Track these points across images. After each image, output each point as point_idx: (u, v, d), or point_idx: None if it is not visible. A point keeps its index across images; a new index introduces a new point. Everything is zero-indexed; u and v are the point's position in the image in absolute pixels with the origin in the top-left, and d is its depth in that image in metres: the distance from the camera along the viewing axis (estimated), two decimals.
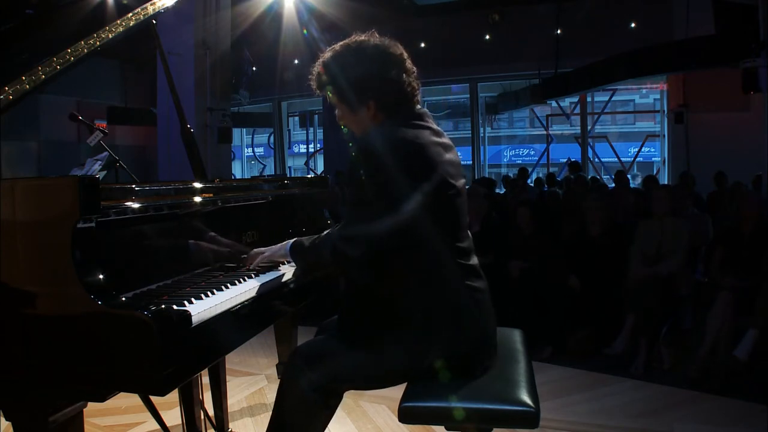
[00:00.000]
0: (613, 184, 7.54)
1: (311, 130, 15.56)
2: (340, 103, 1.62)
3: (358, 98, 1.57)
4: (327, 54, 1.61)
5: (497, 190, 8.61)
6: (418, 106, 1.62)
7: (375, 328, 1.54)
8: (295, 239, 1.68)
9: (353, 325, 1.58)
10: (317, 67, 1.62)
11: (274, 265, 1.82)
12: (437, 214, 1.50)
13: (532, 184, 8.79)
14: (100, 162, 2.64)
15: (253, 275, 1.69)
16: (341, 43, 1.62)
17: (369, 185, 1.45)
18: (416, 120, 1.57)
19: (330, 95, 1.63)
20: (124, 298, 1.22)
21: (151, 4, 2.07)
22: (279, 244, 1.71)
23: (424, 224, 1.47)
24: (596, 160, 12.62)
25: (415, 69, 1.62)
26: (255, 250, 1.78)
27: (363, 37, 1.59)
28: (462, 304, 1.52)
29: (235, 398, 3.10)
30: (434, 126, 1.60)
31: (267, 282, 1.66)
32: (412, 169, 1.46)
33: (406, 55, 1.60)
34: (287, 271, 1.80)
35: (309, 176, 10.36)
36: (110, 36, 1.88)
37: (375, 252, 1.47)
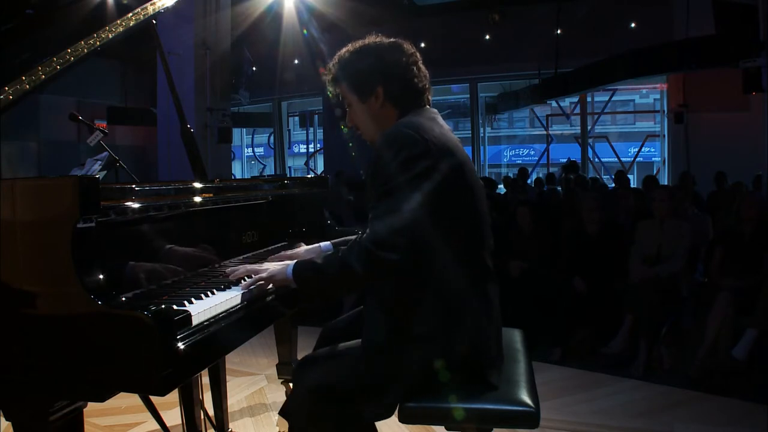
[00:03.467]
0: (613, 184, 7.55)
1: (311, 130, 15.56)
2: (350, 94, 1.58)
3: (367, 84, 1.54)
4: (342, 50, 1.61)
5: (497, 190, 8.60)
6: (428, 106, 1.60)
7: (390, 333, 1.48)
8: (296, 260, 1.51)
9: (370, 332, 1.53)
10: (331, 63, 1.61)
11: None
12: (463, 211, 1.46)
13: (531, 184, 8.79)
14: (100, 162, 2.64)
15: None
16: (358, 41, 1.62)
17: (393, 185, 1.38)
18: (433, 115, 1.54)
19: (341, 89, 1.60)
20: (124, 298, 1.22)
21: (151, 4, 2.06)
22: (277, 266, 1.52)
23: (449, 223, 1.42)
24: (596, 160, 12.62)
25: (427, 72, 1.60)
26: (246, 267, 1.58)
27: (379, 37, 1.60)
28: (476, 311, 1.47)
29: (235, 398, 3.09)
30: (446, 125, 1.57)
31: None
32: (437, 162, 1.40)
33: (419, 56, 1.59)
34: None
35: (309, 176, 10.36)
36: (110, 36, 1.88)
37: (411, 254, 1.37)
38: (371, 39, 1.59)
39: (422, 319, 1.45)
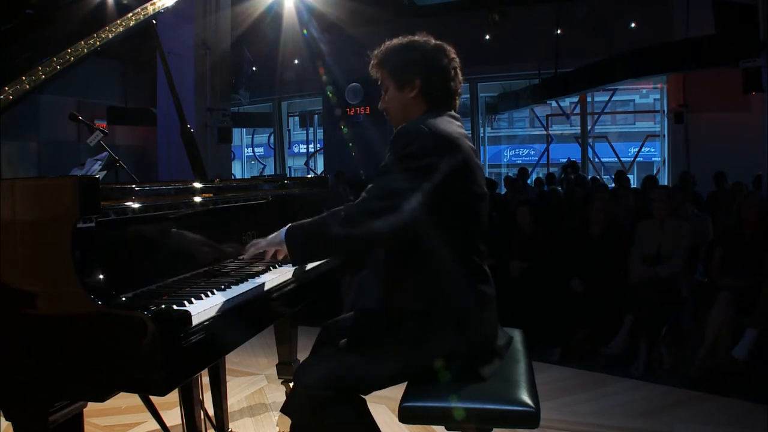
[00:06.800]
0: (613, 184, 7.55)
1: (311, 130, 15.54)
2: (389, 80, 1.66)
3: (407, 74, 1.62)
4: (391, 40, 1.70)
5: (498, 190, 8.58)
6: (454, 111, 1.67)
7: (383, 325, 1.55)
8: (291, 223, 1.62)
9: (365, 324, 1.60)
10: (377, 50, 1.70)
11: (270, 267, 1.80)
12: (460, 214, 1.52)
13: (532, 184, 8.78)
14: (100, 162, 2.64)
15: (253, 276, 1.69)
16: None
17: (398, 168, 1.47)
18: (454, 119, 1.62)
19: (382, 74, 1.68)
20: (124, 298, 1.22)
21: (151, 4, 2.07)
22: (274, 233, 1.65)
23: (444, 222, 1.49)
24: (596, 160, 12.61)
25: (462, 79, 1.68)
26: (252, 241, 1.71)
27: (427, 36, 1.68)
28: (468, 307, 1.52)
29: (235, 398, 3.09)
30: (464, 130, 1.65)
31: (267, 282, 1.65)
32: (449, 163, 1.48)
33: (458, 62, 1.68)
34: (286, 272, 1.80)
35: (309, 176, 10.36)
36: (110, 36, 1.88)
37: (387, 233, 1.45)
38: (420, 37, 1.67)
39: (411, 298, 1.53)
